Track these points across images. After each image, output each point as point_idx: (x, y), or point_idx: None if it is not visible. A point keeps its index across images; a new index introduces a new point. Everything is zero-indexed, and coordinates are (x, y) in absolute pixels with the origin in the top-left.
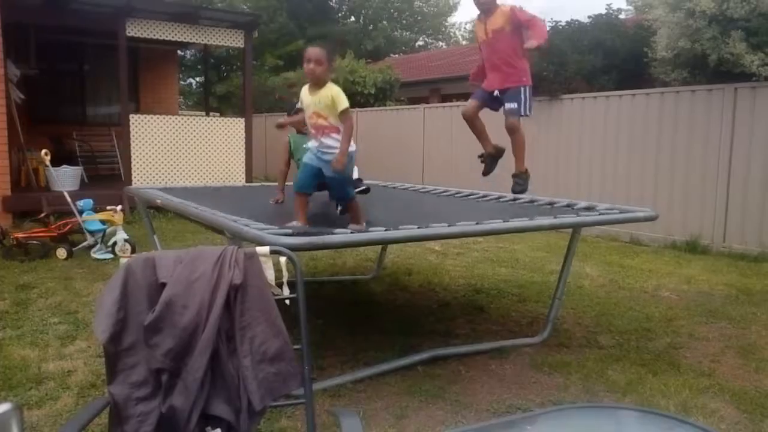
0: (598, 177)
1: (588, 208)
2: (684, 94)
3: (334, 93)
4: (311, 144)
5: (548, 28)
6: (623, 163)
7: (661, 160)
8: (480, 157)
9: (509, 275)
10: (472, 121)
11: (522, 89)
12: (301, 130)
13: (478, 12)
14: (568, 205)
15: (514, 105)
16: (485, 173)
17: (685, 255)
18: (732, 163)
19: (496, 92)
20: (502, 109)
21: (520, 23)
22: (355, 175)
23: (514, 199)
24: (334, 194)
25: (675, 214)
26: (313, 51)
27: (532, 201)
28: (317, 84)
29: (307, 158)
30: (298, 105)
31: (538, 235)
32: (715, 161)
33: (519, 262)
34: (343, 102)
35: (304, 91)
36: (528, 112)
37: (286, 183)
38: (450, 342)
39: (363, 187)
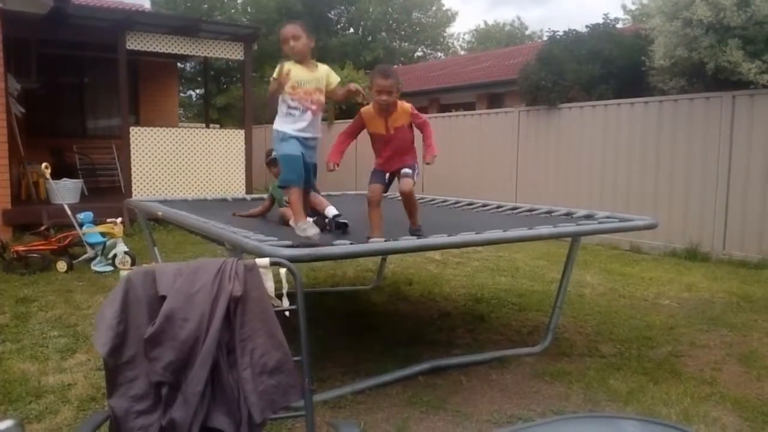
0: (598, 185)
1: (587, 217)
2: (682, 102)
3: (328, 69)
4: (299, 126)
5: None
6: (623, 172)
7: (660, 168)
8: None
9: (509, 284)
10: (378, 204)
11: (415, 165)
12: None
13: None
14: (567, 214)
15: (409, 170)
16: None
17: (686, 263)
18: (731, 171)
19: (388, 175)
20: (396, 179)
21: (416, 124)
22: (333, 212)
23: (514, 209)
24: (311, 183)
25: (675, 221)
26: (288, 29)
27: (531, 210)
28: (304, 59)
29: (294, 149)
30: (287, 85)
31: (538, 243)
32: (714, 169)
33: (519, 271)
34: (336, 76)
35: (297, 69)
36: (415, 178)
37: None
38: (451, 352)
39: (344, 221)
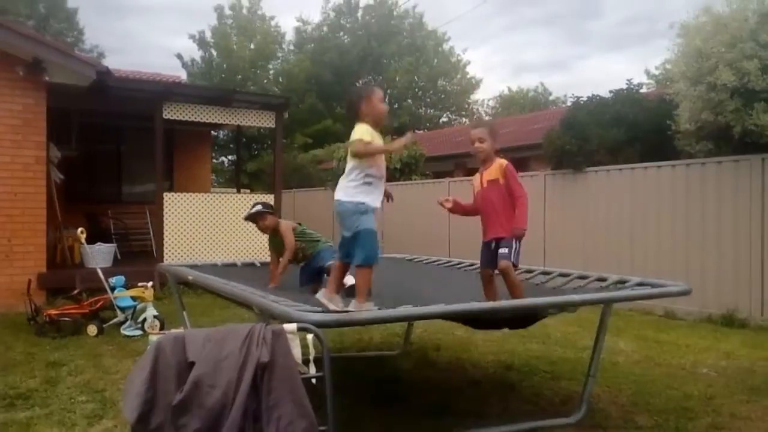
0: (627, 250)
1: (619, 283)
2: (710, 165)
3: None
4: (376, 196)
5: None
6: (652, 236)
7: (691, 231)
8: None
9: (541, 351)
10: (488, 282)
11: (513, 240)
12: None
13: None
14: (599, 279)
15: (505, 251)
16: None
17: (722, 329)
18: (765, 234)
19: (493, 244)
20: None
21: (509, 186)
22: (351, 281)
23: (545, 273)
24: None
25: (709, 286)
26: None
27: (562, 275)
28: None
29: (374, 223)
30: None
31: None
32: (746, 232)
33: (550, 337)
34: None
35: (376, 135)
36: (516, 260)
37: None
38: (481, 422)
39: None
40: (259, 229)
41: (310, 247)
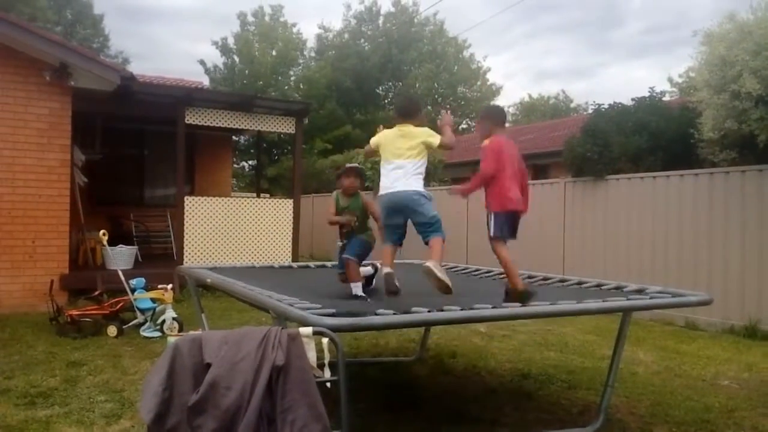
0: (648, 258)
1: (639, 291)
2: (734, 174)
3: None
4: None
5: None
6: (674, 245)
7: (713, 241)
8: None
9: (558, 360)
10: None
11: (490, 215)
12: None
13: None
14: (617, 288)
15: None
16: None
17: (745, 341)
18: None
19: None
20: None
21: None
22: (353, 291)
23: (562, 281)
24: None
25: (731, 297)
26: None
27: (580, 283)
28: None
29: None
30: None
31: (587, 318)
32: None
33: (568, 346)
34: None
35: None
36: (497, 233)
37: None
38: (497, 431)
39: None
40: (345, 186)
41: (361, 227)
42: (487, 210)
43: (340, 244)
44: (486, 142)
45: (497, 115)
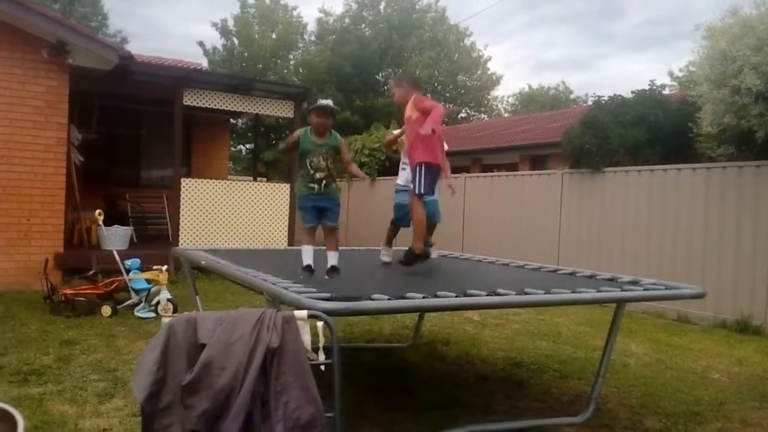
0: (644, 251)
1: (632, 283)
2: (731, 169)
3: None
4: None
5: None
6: (669, 238)
7: (708, 236)
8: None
9: (551, 350)
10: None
11: (415, 168)
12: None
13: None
14: (611, 279)
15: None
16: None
17: (736, 335)
18: None
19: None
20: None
21: (424, 111)
22: (333, 262)
23: (555, 270)
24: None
25: (724, 292)
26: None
27: (573, 273)
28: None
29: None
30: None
31: (581, 308)
32: (765, 239)
33: (561, 336)
34: None
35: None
36: (421, 190)
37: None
38: (488, 418)
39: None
40: (315, 123)
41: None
42: (416, 164)
43: (316, 187)
44: (413, 96)
45: (416, 81)
